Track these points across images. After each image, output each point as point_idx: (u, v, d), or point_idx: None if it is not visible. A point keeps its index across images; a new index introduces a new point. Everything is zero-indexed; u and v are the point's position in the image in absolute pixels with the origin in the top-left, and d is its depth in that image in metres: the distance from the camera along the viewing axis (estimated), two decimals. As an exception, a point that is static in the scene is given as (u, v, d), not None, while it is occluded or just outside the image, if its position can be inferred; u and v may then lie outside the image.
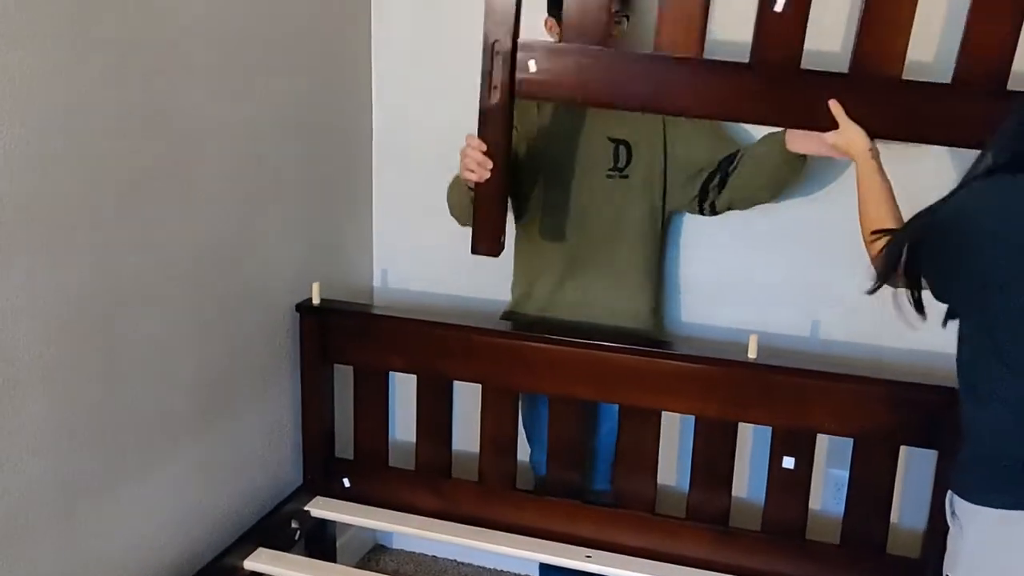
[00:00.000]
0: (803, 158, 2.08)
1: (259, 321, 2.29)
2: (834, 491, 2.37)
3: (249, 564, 2.21)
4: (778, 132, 2.08)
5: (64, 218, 1.68)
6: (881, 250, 1.62)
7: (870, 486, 2.09)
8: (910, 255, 1.55)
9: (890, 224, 1.72)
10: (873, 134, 1.85)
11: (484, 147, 1.98)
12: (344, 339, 2.41)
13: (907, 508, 2.32)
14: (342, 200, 2.62)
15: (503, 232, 2.08)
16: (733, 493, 2.21)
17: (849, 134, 1.86)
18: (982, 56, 1.80)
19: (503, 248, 2.10)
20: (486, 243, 2.08)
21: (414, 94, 2.63)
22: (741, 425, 2.19)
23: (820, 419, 2.09)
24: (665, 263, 2.44)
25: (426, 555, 2.90)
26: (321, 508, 2.45)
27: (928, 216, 1.53)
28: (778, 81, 1.89)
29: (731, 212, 2.27)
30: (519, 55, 1.94)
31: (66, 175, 1.67)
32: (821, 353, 2.36)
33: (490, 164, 1.98)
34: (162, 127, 1.89)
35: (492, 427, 2.34)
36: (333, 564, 2.45)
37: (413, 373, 2.39)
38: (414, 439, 2.60)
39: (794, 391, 2.09)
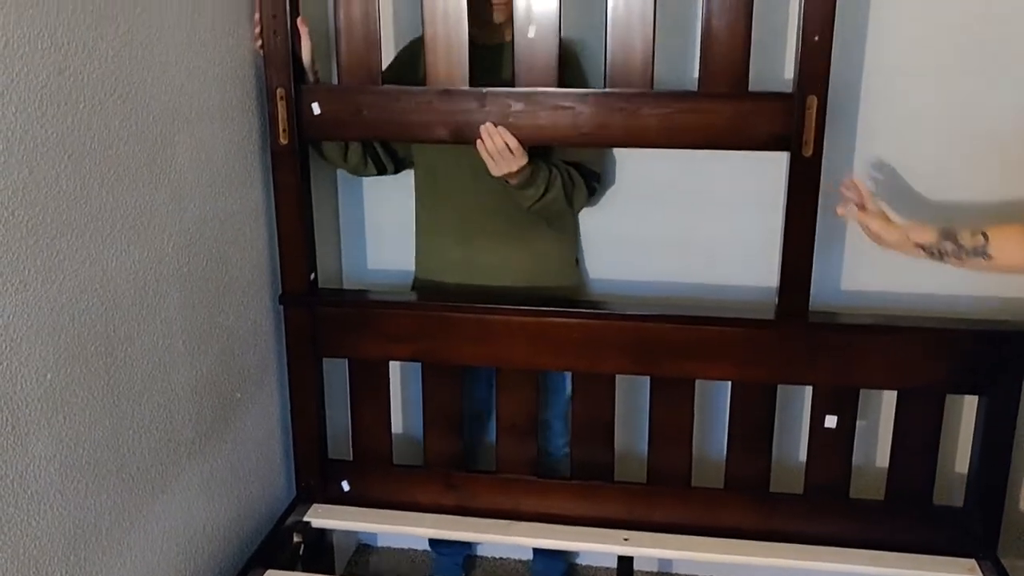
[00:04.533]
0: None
1: (245, 318, 2.04)
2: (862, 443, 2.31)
3: (262, 591, 1.99)
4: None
5: (49, 219, 1.40)
6: None
7: (916, 437, 2.04)
8: None
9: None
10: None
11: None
12: (336, 329, 2.18)
13: (947, 455, 2.27)
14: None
15: (313, 269, 2.15)
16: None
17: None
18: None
19: (315, 283, 2.16)
20: (293, 283, 2.12)
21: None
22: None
23: (865, 374, 2.01)
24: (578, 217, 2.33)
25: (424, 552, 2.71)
26: (321, 517, 2.23)
27: None
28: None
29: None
30: (303, 99, 1.99)
31: (48, 169, 1.39)
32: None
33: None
34: (135, 108, 1.62)
35: (510, 411, 2.17)
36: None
37: (418, 361, 2.19)
38: (404, 431, 2.42)
39: (838, 348, 2.00)
